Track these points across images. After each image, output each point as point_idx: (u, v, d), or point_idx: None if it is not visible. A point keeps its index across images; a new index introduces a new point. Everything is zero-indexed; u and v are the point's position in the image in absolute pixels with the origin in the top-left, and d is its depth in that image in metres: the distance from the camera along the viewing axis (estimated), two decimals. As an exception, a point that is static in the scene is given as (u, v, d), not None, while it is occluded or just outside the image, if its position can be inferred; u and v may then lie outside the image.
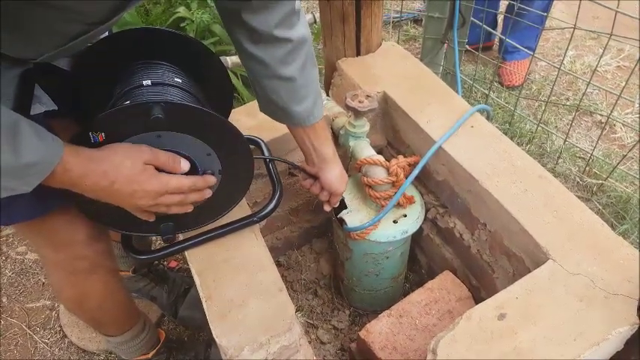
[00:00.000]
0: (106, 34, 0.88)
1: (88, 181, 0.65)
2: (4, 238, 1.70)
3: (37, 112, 0.71)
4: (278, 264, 1.49)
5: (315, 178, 1.01)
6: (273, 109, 0.88)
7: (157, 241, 1.51)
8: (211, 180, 0.79)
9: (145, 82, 0.77)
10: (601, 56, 1.55)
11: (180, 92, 0.79)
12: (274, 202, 0.96)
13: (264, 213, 0.94)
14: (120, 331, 1.12)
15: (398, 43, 1.83)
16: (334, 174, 0.97)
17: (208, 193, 0.80)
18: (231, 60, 1.76)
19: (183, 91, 0.80)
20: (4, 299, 1.54)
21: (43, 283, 1.58)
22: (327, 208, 1.07)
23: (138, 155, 0.69)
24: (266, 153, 1.06)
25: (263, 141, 1.09)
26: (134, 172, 0.68)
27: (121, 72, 0.83)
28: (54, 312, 1.50)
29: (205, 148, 0.76)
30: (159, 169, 0.72)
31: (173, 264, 1.54)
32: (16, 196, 0.60)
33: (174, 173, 0.73)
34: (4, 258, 1.65)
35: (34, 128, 0.58)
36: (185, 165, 0.74)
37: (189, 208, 0.79)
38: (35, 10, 0.56)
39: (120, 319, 1.11)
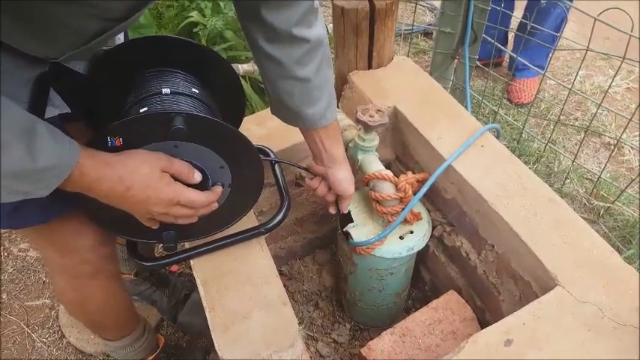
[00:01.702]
0: (122, 39, 0.88)
1: (103, 185, 0.64)
2: (7, 234, 1.69)
3: (51, 115, 0.71)
4: (280, 273, 1.48)
5: (322, 178, 0.98)
6: (285, 112, 0.86)
7: (160, 247, 1.51)
8: (220, 194, 0.79)
9: (164, 91, 0.76)
10: (613, 78, 1.54)
11: (198, 103, 0.79)
12: (282, 214, 0.95)
13: (271, 225, 0.94)
14: (119, 336, 1.11)
15: (408, 55, 1.83)
16: (343, 174, 0.95)
17: (215, 206, 0.79)
18: (243, 67, 1.76)
19: (201, 102, 0.80)
20: (4, 296, 1.53)
21: (44, 282, 1.57)
22: (332, 210, 1.04)
23: (155, 162, 0.69)
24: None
25: (272, 151, 1.08)
26: (151, 179, 0.68)
27: (135, 78, 0.83)
28: (53, 311, 1.50)
29: (219, 160, 0.76)
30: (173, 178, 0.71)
31: (174, 268, 1.53)
32: (28, 200, 0.59)
33: (188, 183, 0.73)
34: (5, 254, 1.64)
35: (51, 131, 0.57)
36: (198, 176, 0.74)
37: (195, 220, 0.79)
38: (56, 7, 0.56)
39: (120, 323, 1.10)
